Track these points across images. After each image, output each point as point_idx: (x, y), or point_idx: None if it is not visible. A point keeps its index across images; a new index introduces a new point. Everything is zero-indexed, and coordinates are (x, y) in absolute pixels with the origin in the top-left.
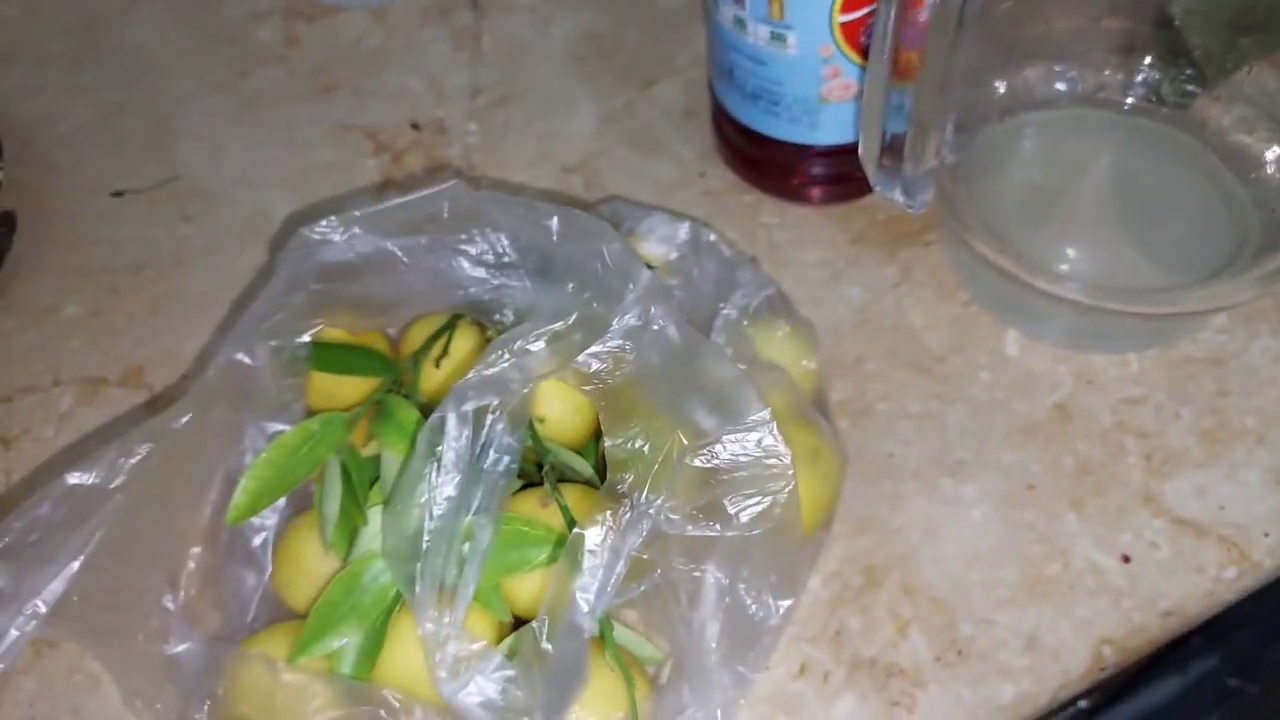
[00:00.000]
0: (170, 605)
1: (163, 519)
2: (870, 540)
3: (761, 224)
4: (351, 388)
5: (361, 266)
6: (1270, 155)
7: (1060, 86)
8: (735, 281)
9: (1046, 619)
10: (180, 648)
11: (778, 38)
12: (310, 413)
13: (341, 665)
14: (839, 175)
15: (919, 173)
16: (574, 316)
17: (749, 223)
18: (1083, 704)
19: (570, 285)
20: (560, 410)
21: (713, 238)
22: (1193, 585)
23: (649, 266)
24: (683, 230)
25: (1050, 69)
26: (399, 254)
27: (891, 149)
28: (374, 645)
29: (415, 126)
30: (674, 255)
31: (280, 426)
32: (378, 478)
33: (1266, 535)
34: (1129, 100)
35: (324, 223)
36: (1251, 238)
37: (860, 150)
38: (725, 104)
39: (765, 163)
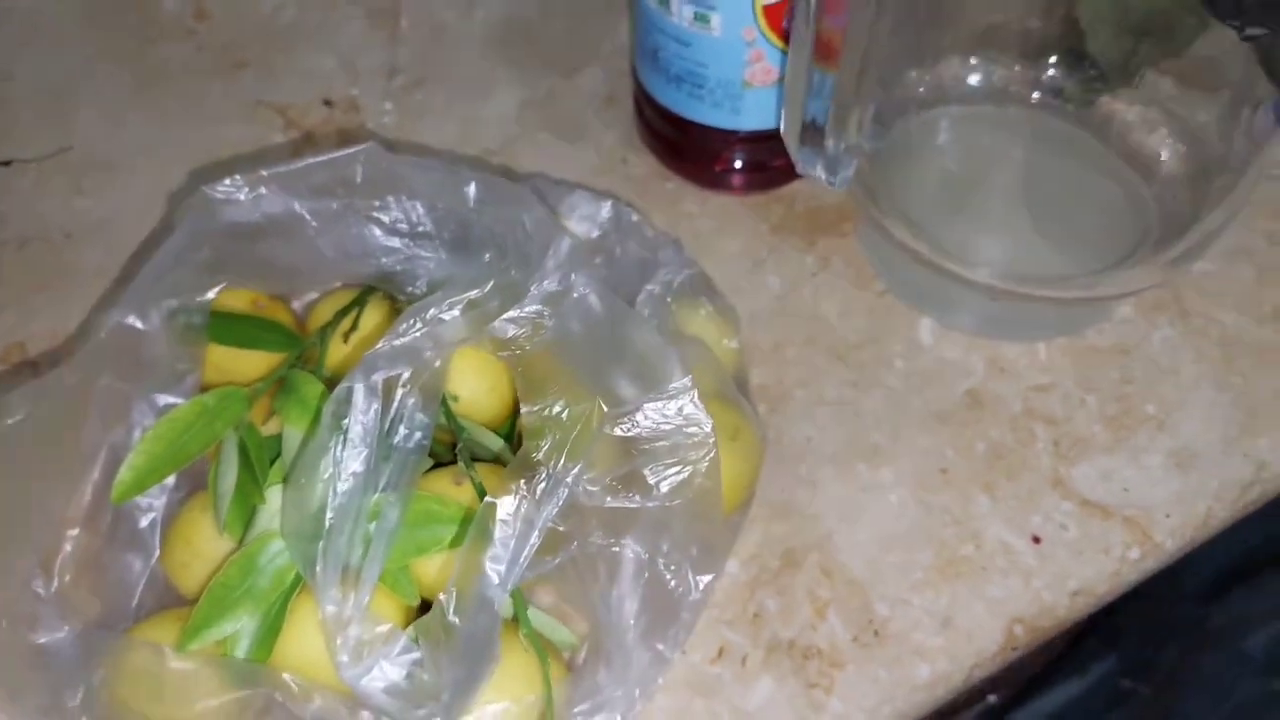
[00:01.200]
0: (41, 591)
1: (36, 496)
2: (788, 524)
3: (684, 213)
4: (251, 363)
5: (267, 228)
6: (1167, 154)
7: (973, 82)
8: (658, 261)
9: (960, 599)
10: (51, 636)
11: (701, 18)
12: (205, 388)
13: (236, 650)
14: (760, 163)
15: (840, 150)
16: (490, 284)
17: (671, 211)
18: (992, 699)
19: (488, 254)
20: (475, 388)
21: (635, 217)
22: (1099, 565)
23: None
24: (605, 209)
25: (965, 64)
26: (307, 217)
27: (813, 128)
28: (271, 630)
29: (328, 103)
30: (595, 234)
31: (173, 399)
32: (278, 456)
33: (1168, 516)
34: (1037, 97)
35: (228, 181)
36: (1153, 230)
37: (782, 128)
38: (649, 87)
39: (688, 148)
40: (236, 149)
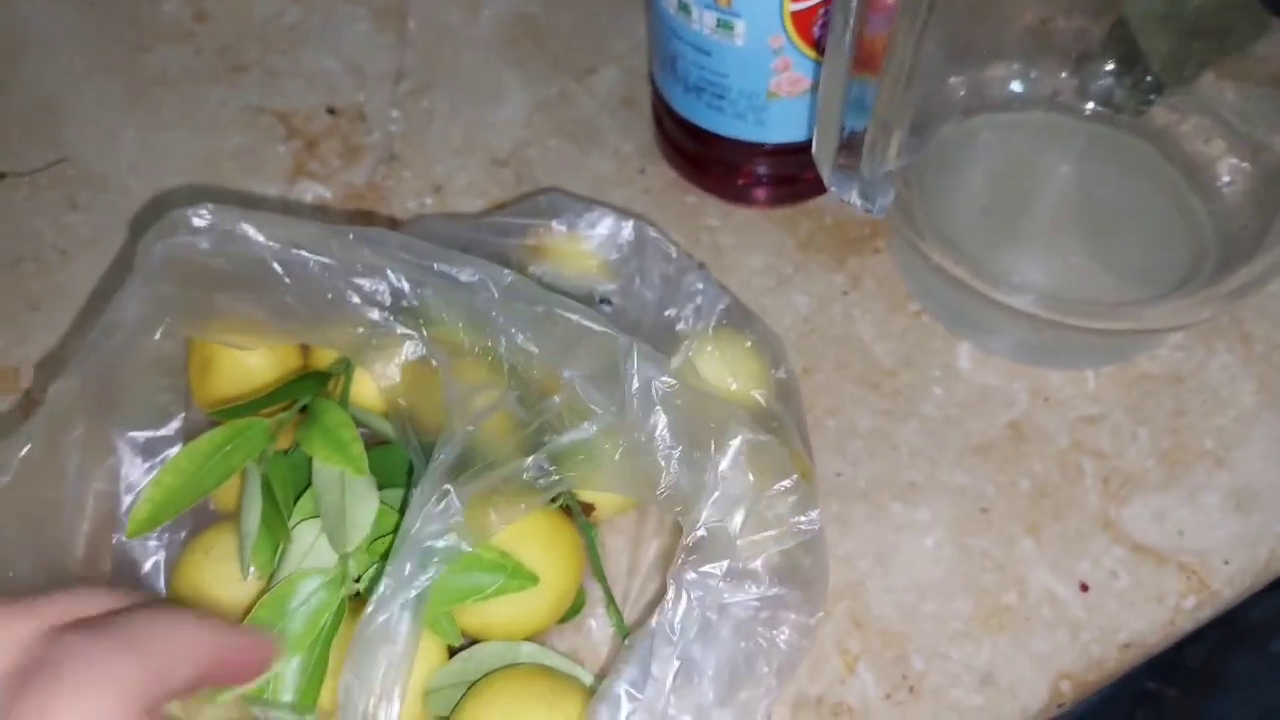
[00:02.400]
0: None
1: (29, 556)
2: None
3: (705, 226)
4: (260, 370)
5: (234, 275)
6: (1226, 167)
7: (1017, 88)
8: (681, 287)
9: (1002, 653)
10: None
11: (725, 25)
12: (213, 403)
13: (280, 696)
14: (786, 176)
15: (878, 174)
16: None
17: (691, 225)
18: None
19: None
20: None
21: (657, 238)
22: (1152, 616)
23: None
24: (626, 229)
25: (1008, 69)
26: (279, 270)
27: (849, 147)
28: (316, 673)
29: (332, 111)
30: (614, 256)
31: (157, 433)
32: (306, 488)
33: (1226, 563)
34: (1087, 105)
35: (200, 217)
36: (1210, 252)
37: (814, 148)
38: (667, 97)
39: (708, 161)
40: (235, 160)
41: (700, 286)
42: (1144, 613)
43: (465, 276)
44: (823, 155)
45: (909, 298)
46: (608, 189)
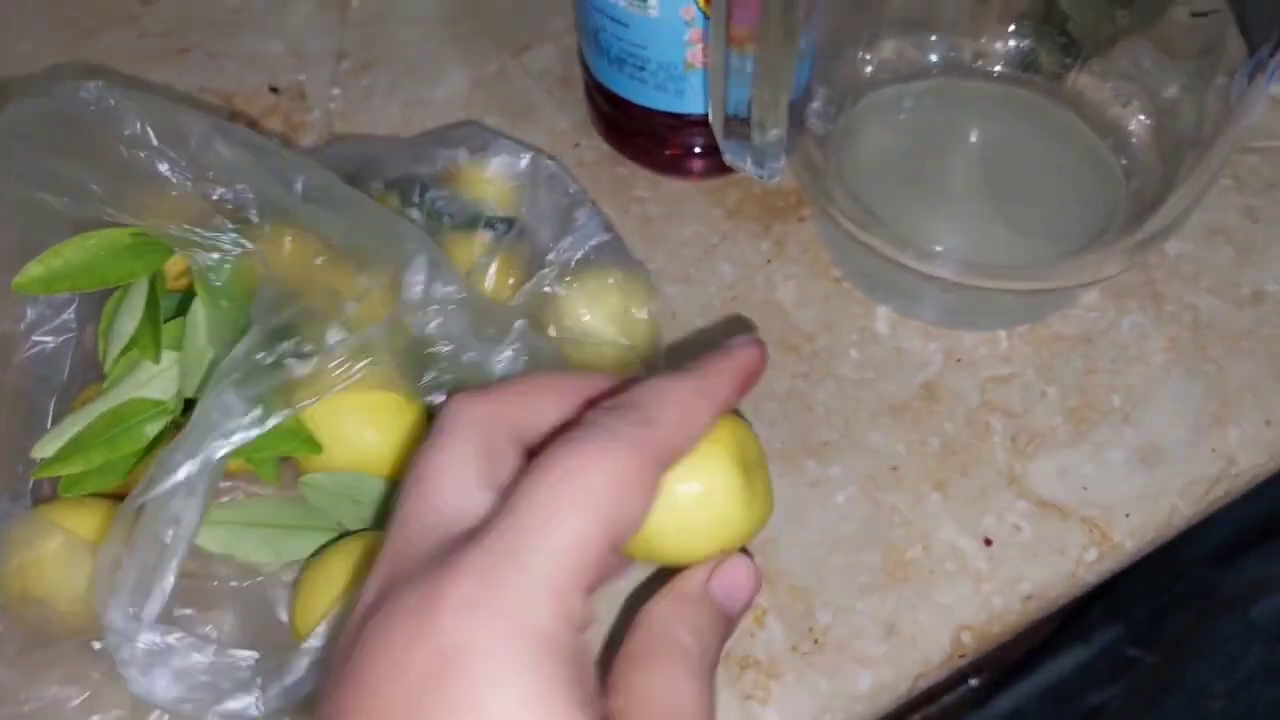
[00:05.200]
0: None
1: None
2: None
3: (635, 198)
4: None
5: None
6: (1138, 126)
7: (933, 56)
8: (573, 222)
9: (906, 605)
10: None
11: None
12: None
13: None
14: (713, 146)
15: (767, 141)
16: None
17: (622, 196)
18: (974, 683)
19: None
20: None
21: (555, 172)
22: (1054, 568)
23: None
24: (524, 161)
25: (923, 37)
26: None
27: (738, 117)
28: (112, 475)
29: (274, 90)
30: (512, 185)
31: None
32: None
33: (1128, 516)
34: (1003, 70)
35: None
36: (1121, 208)
37: (709, 116)
38: (593, 70)
39: (636, 133)
40: None
41: (583, 221)
42: (1046, 565)
43: (298, 182)
44: (715, 124)
45: (831, 264)
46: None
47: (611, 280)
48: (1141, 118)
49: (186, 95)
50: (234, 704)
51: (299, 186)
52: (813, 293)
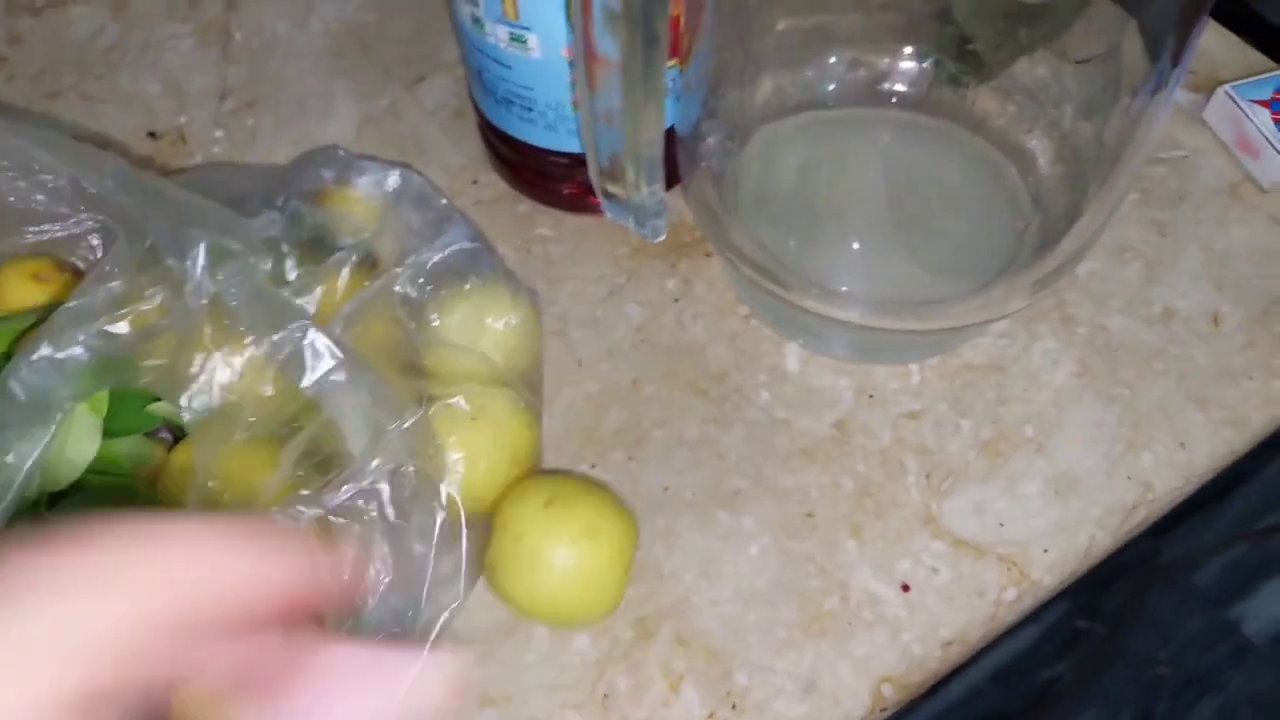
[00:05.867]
0: None
1: None
2: (644, 587)
3: (537, 236)
4: None
5: None
6: (1043, 148)
7: (830, 85)
8: (441, 233)
9: (825, 660)
10: None
11: (518, 39)
12: None
13: None
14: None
15: (642, 200)
16: None
17: (523, 235)
18: None
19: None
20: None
21: (423, 187)
22: (973, 611)
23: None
24: (392, 178)
25: (823, 65)
26: None
27: (612, 172)
28: None
29: (152, 135)
30: (378, 203)
31: None
32: None
33: (1045, 551)
34: (904, 92)
35: None
36: (1030, 236)
37: (590, 173)
38: (482, 108)
39: (532, 171)
40: None
41: (451, 233)
42: (965, 608)
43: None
44: (594, 180)
45: (739, 301)
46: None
47: (467, 287)
48: (1046, 141)
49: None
50: None
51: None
52: (721, 331)
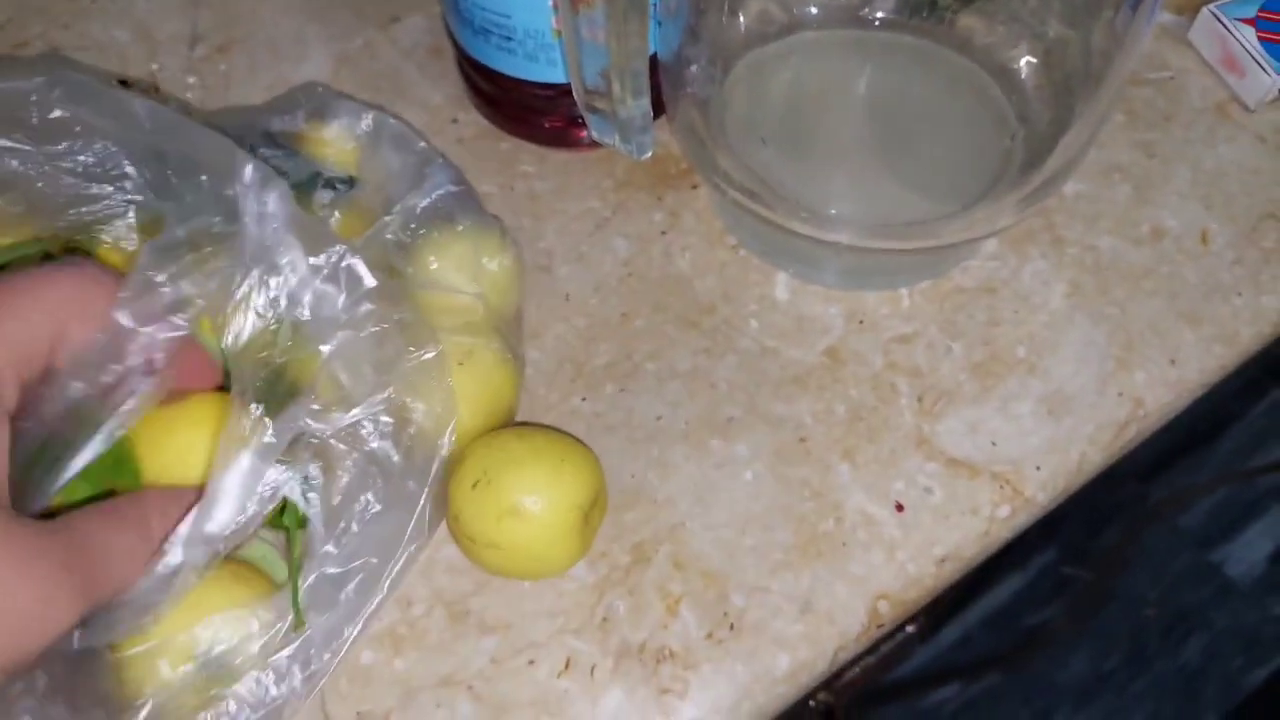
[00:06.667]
0: None
1: None
2: (639, 514)
3: (520, 173)
4: None
5: None
6: (1028, 67)
7: (812, 8)
8: (423, 177)
9: (821, 580)
10: None
11: None
12: None
13: None
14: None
15: (629, 115)
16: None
17: (506, 173)
18: (910, 629)
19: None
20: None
21: (399, 130)
22: (967, 528)
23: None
24: (366, 120)
25: None
26: None
27: (597, 90)
28: None
29: (125, 84)
30: (351, 145)
31: None
32: None
33: (1038, 469)
34: (887, 15)
35: None
36: (1015, 154)
37: (573, 91)
38: (460, 41)
39: (513, 106)
40: None
41: (432, 174)
42: (959, 525)
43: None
44: (578, 99)
45: (726, 232)
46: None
47: (460, 228)
48: (1030, 58)
49: None
50: None
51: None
52: (710, 263)
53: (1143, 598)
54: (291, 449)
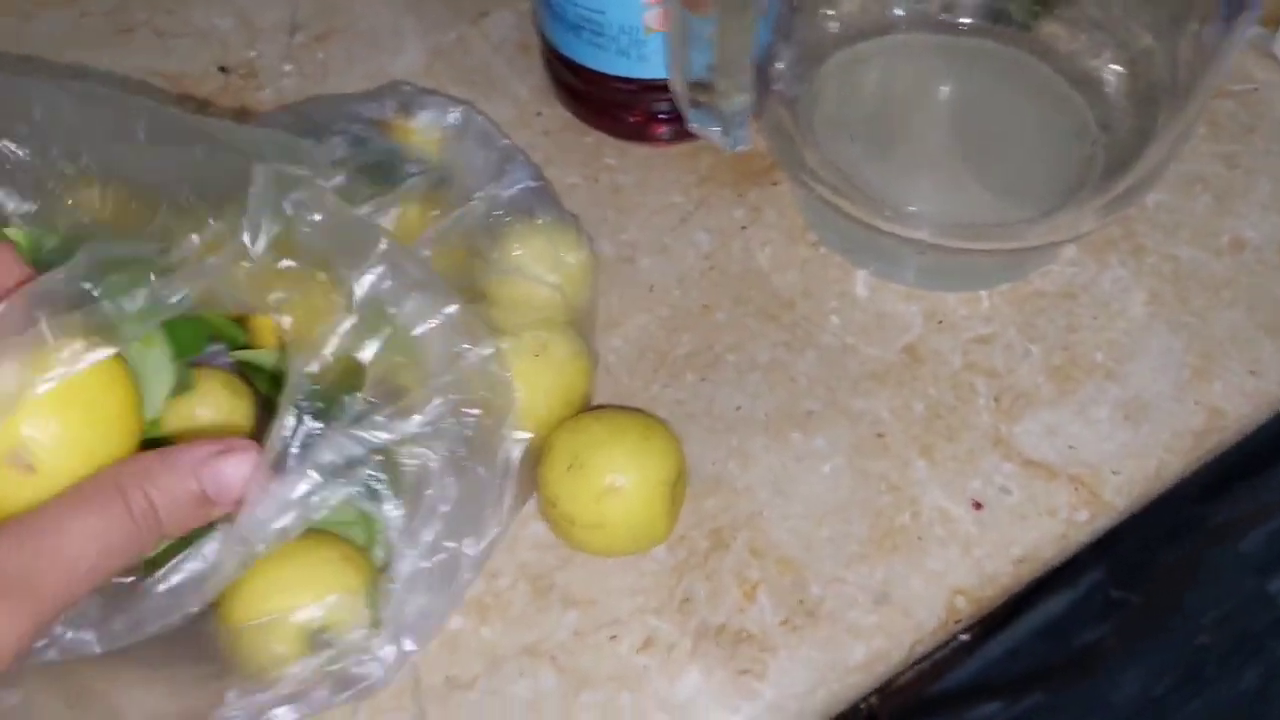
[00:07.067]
0: None
1: None
2: (718, 500)
3: (604, 166)
4: None
5: None
6: (1112, 76)
7: (899, 11)
8: (504, 172)
9: (897, 573)
10: None
11: None
12: None
13: None
14: (679, 111)
15: (731, 108)
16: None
17: (591, 165)
18: (964, 637)
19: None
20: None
21: (485, 126)
22: (1044, 529)
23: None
24: (453, 114)
25: None
26: None
27: (701, 83)
28: None
29: (224, 70)
30: (437, 136)
31: None
32: None
33: (1116, 474)
34: (971, 22)
35: None
36: (1097, 162)
37: (670, 84)
38: (550, 37)
39: (599, 100)
40: None
41: (514, 170)
42: (1036, 526)
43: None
44: (677, 92)
45: (807, 228)
46: (506, 134)
47: (541, 222)
48: (1114, 67)
49: (131, 80)
50: (69, 634)
51: (141, 133)
52: (790, 258)
53: (1197, 623)
54: (350, 456)
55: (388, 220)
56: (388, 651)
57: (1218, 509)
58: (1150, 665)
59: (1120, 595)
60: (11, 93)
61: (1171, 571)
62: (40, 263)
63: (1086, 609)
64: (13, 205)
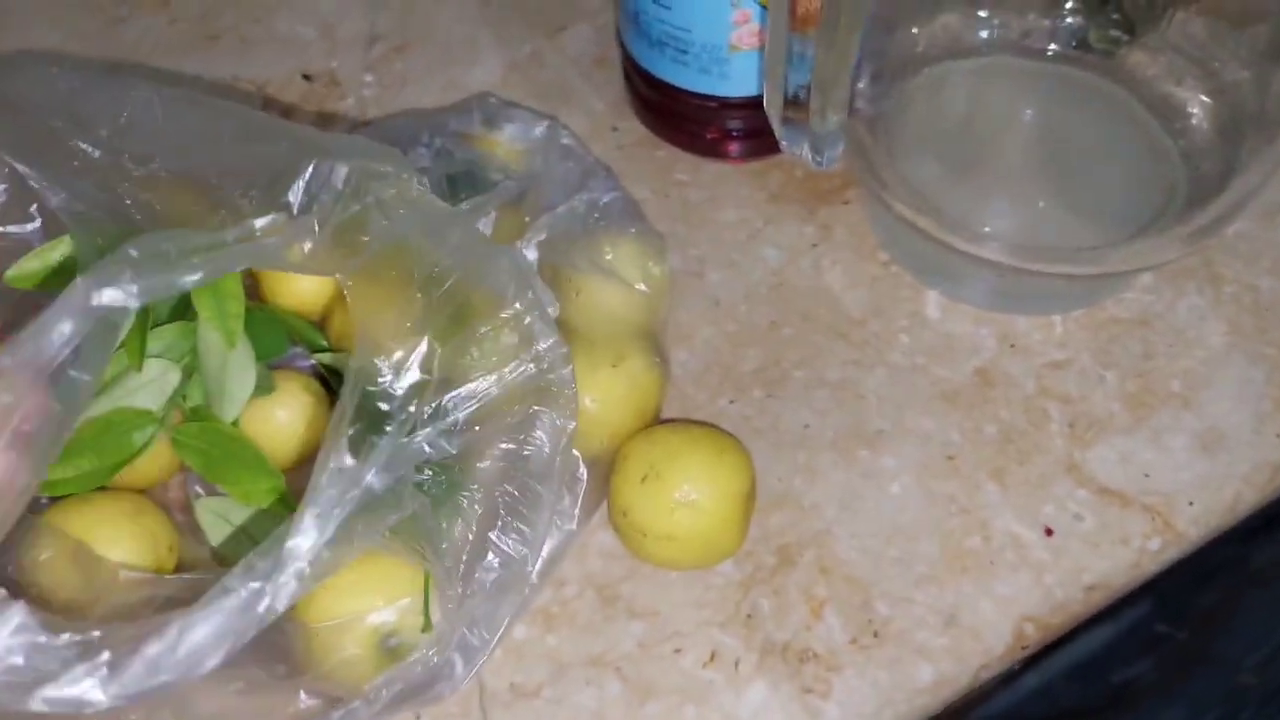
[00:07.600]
0: None
1: None
2: (785, 517)
3: (675, 181)
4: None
5: None
6: (1197, 106)
7: (983, 34)
8: (585, 185)
9: (966, 596)
10: None
11: None
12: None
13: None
14: (755, 129)
15: (826, 128)
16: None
17: (662, 180)
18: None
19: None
20: None
21: (569, 140)
22: (1117, 558)
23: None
24: (539, 128)
25: (972, 14)
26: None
27: (796, 102)
28: (95, 480)
29: (307, 78)
30: (521, 148)
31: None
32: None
33: (1191, 504)
34: (1054, 48)
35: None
36: (1179, 191)
37: (765, 103)
38: (633, 52)
39: (676, 116)
40: None
41: (597, 184)
42: (1108, 554)
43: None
44: (771, 110)
45: (878, 248)
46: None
47: (633, 231)
48: (1201, 97)
49: (218, 85)
50: (69, 689)
51: (227, 135)
52: (860, 277)
53: (1239, 664)
54: (413, 462)
55: (486, 223)
56: (454, 658)
57: (1260, 550)
58: (1189, 706)
59: (1165, 630)
60: (109, 94)
61: (1213, 611)
62: (84, 265)
63: (1127, 645)
64: (69, 204)
